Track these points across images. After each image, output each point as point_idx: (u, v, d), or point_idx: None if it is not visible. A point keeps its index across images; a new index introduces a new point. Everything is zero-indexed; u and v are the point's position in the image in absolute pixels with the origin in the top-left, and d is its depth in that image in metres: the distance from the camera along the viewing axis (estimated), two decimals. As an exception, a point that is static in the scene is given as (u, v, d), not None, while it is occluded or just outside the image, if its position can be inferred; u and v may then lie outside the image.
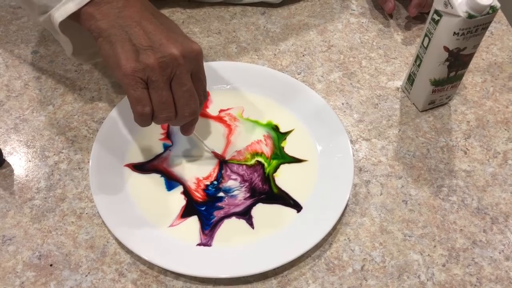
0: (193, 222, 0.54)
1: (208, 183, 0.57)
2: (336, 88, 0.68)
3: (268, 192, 0.57)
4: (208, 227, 0.54)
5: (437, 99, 0.65)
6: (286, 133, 0.62)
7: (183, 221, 0.54)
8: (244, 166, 0.59)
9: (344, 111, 0.66)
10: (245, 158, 0.60)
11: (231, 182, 0.58)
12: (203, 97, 0.53)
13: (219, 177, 0.58)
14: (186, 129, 0.54)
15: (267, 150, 0.61)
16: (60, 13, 0.50)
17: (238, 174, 0.58)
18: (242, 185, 0.57)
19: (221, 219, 0.55)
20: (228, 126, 0.63)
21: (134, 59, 0.47)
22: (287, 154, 0.60)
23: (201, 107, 0.53)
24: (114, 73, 0.48)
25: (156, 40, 0.48)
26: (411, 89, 0.66)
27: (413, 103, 0.67)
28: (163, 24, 0.50)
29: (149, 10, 0.50)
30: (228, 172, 0.59)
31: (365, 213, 0.57)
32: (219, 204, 0.56)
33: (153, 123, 0.50)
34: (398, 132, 0.64)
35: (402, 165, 0.61)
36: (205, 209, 0.55)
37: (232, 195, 0.56)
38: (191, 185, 0.57)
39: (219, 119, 0.63)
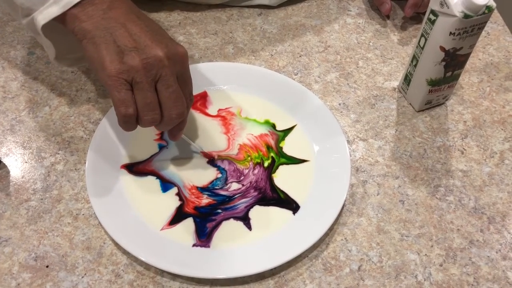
0: (189, 222, 0.54)
1: (205, 192, 0.57)
2: (333, 89, 0.68)
3: (270, 195, 0.57)
4: (204, 237, 0.54)
5: (433, 99, 0.65)
6: (288, 130, 0.62)
7: (173, 226, 0.54)
8: (245, 168, 0.59)
9: (341, 112, 0.66)
10: (244, 157, 0.60)
11: (235, 185, 0.58)
12: (190, 100, 0.53)
13: (220, 181, 0.58)
14: (174, 134, 0.54)
15: (265, 149, 0.60)
16: (43, 16, 0.49)
17: (239, 175, 0.58)
18: (243, 188, 0.57)
19: (218, 223, 0.54)
20: (226, 121, 0.63)
21: (118, 60, 0.46)
22: (287, 155, 0.60)
23: (188, 111, 0.52)
24: (98, 74, 0.48)
25: (141, 41, 0.47)
26: (407, 89, 0.66)
27: (410, 103, 0.67)
28: (148, 26, 0.49)
29: (134, 12, 0.50)
30: (230, 174, 0.58)
31: (362, 213, 0.57)
32: (214, 217, 0.55)
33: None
34: (395, 132, 0.64)
35: (399, 165, 0.61)
36: (200, 221, 0.55)
37: (230, 207, 0.56)
38: (186, 192, 0.57)
39: (218, 116, 0.63)
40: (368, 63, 0.72)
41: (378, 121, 0.65)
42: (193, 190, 0.57)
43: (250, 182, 0.58)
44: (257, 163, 0.59)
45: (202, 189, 0.57)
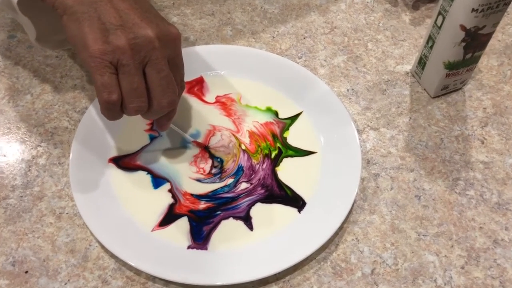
0: (183, 222, 0.49)
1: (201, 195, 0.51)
2: (340, 73, 0.63)
3: (278, 192, 0.51)
4: (201, 240, 0.48)
5: (450, 84, 0.60)
6: (294, 117, 0.57)
7: (163, 228, 0.49)
8: (256, 163, 0.54)
9: (350, 98, 0.61)
10: (256, 148, 0.55)
11: (243, 185, 0.52)
12: (181, 87, 0.48)
13: (228, 187, 0.52)
14: (162, 123, 0.49)
15: (271, 138, 0.55)
16: None
17: (251, 173, 0.53)
18: (251, 187, 0.52)
19: (217, 224, 0.49)
20: (226, 106, 0.58)
21: (102, 39, 0.41)
22: (292, 146, 0.55)
23: (179, 96, 0.47)
24: (80, 55, 0.43)
25: (128, 19, 0.42)
26: (422, 74, 0.61)
27: (424, 89, 0.62)
28: (138, 3, 0.44)
29: None
30: (245, 174, 0.53)
31: (375, 210, 0.52)
32: (212, 220, 0.50)
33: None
34: (409, 120, 0.59)
35: (413, 157, 0.56)
36: (196, 225, 0.49)
37: (231, 207, 0.50)
38: (179, 194, 0.51)
39: (216, 102, 0.58)
40: (378, 46, 0.66)
41: (390, 109, 0.60)
42: (188, 196, 0.51)
43: (259, 180, 0.52)
44: (266, 155, 0.54)
45: (200, 197, 0.51)
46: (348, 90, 0.61)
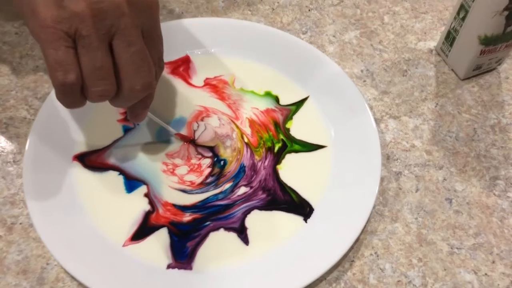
0: (162, 234, 0.40)
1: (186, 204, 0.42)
2: (352, 51, 0.53)
3: (282, 197, 0.42)
4: (183, 258, 0.39)
5: (484, 63, 0.50)
6: (300, 103, 0.48)
7: (137, 242, 0.40)
8: (259, 160, 0.44)
9: (364, 81, 0.51)
10: (258, 140, 0.45)
11: (242, 190, 0.43)
12: (159, 67, 0.39)
13: (224, 193, 0.42)
14: (137, 113, 0.39)
15: (274, 127, 0.46)
16: None
17: (252, 174, 0.43)
18: (251, 191, 0.42)
19: (204, 237, 0.40)
20: (218, 89, 0.48)
21: (56, 3, 0.32)
22: (297, 139, 0.45)
23: (157, 79, 0.38)
24: (28, 24, 0.34)
25: None
26: (450, 51, 0.51)
27: (452, 69, 0.52)
28: None
29: None
30: (246, 175, 0.43)
31: (397, 216, 0.43)
32: (198, 233, 0.40)
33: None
34: (435, 107, 0.49)
35: (442, 151, 0.47)
36: (177, 240, 0.40)
37: (223, 217, 0.41)
38: (158, 203, 0.42)
39: (206, 85, 0.48)
40: (396, 19, 0.56)
41: (412, 93, 0.50)
42: (168, 207, 0.42)
43: (260, 182, 0.43)
44: (268, 149, 0.45)
45: (185, 208, 0.42)
46: (362, 71, 0.52)
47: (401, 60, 0.53)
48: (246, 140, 0.45)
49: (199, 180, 0.43)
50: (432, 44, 0.54)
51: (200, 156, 0.44)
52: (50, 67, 0.33)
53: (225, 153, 0.44)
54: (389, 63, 0.53)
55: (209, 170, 0.43)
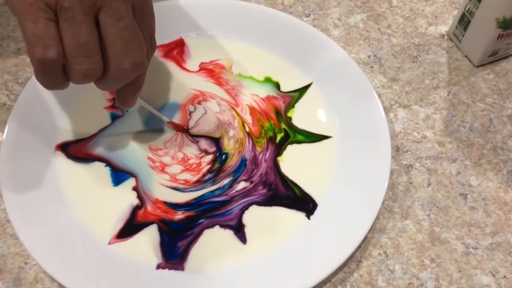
0: (151, 231, 0.36)
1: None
2: (359, 35, 0.50)
3: (284, 192, 0.39)
4: (175, 258, 0.36)
5: (501, 48, 0.47)
6: (303, 89, 0.44)
7: (124, 240, 0.36)
8: (260, 152, 0.40)
9: (371, 67, 0.47)
10: (259, 129, 0.41)
11: (241, 185, 0.39)
12: (151, 47, 0.35)
13: (222, 189, 0.39)
14: (126, 97, 0.36)
15: (275, 116, 0.42)
16: None
17: (253, 168, 0.39)
18: (251, 186, 0.39)
19: (198, 235, 0.36)
20: (215, 74, 0.45)
21: None
22: (299, 129, 0.42)
23: (148, 61, 0.34)
24: None
25: None
26: (464, 36, 0.48)
27: (466, 55, 0.48)
28: None
29: None
30: (247, 169, 0.40)
31: (408, 213, 0.39)
32: (190, 232, 0.37)
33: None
34: (447, 95, 0.46)
35: (455, 142, 0.43)
36: (168, 240, 0.36)
37: (219, 214, 0.37)
38: (147, 200, 0.38)
39: (202, 70, 0.45)
40: (405, 2, 0.52)
41: (423, 80, 0.47)
42: (159, 205, 0.38)
43: (260, 175, 0.39)
44: (270, 139, 0.41)
45: (177, 206, 0.38)
46: (369, 56, 0.48)
47: (410, 46, 0.49)
48: (247, 129, 0.42)
49: (195, 178, 0.39)
50: (444, 28, 0.51)
51: (202, 155, 0.40)
52: (28, 41, 0.30)
53: (229, 145, 0.41)
54: (398, 49, 0.49)
55: (208, 167, 0.40)
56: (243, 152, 0.40)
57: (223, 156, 0.40)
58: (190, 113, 0.42)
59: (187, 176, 0.39)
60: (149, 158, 0.40)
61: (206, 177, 0.39)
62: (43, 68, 0.30)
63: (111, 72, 0.31)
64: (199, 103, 0.43)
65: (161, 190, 0.38)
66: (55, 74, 0.31)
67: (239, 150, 0.40)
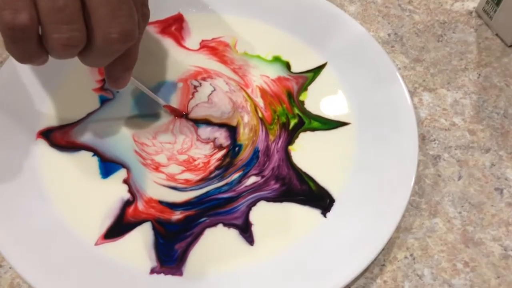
0: (144, 230, 0.32)
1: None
2: (377, 12, 0.45)
3: (298, 187, 0.34)
4: (172, 262, 0.31)
5: (538, 26, 0.42)
6: (318, 70, 0.39)
7: (113, 241, 0.32)
8: (273, 140, 0.35)
9: (392, 46, 0.43)
10: (272, 115, 0.36)
11: (251, 179, 0.34)
12: (143, 16, 0.30)
13: (231, 184, 0.34)
14: (117, 76, 0.31)
15: (287, 99, 0.38)
16: None
17: (265, 160, 0.34)
18: (261, 181, 0.34)
19: (198, 235, 0.32)
20: (218, 52, 0.40)
21: None
22: (314, 114, 0.37)
23: (140, 33, 0.30)
24: None
25: None
26: (495, 13, 0.43)
27: (497, 34, 0.44)
28: None
29: None
30: (259, 162, 0.34)
31: (436, 210, 0.35)
32: (189, 232, 0.32)
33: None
34: (478, 78, 0.41)
35: (488, 130, 0.38)
36: (164, 243, 0.31)
37: (223, 212, 0.33)
38: (140, 202, 0.33)
39: (203, 48, 0.40)
40: (428, -25, 0.47)
41: (450, 61, 0.42)
42: (153, 204, 0.33)
43: (272, 169, 0.34)
44: (283, 125, 0.36)
45: (174, 206, 0.33)
46: (389, 35, 0.43)
47: (434, 23, 0.44)
48: (260, 114, 0.37)
49: (198, 177, 0.34)
50: (472, 5, 0.46)
51: (215, 151, 0.35)
52: None
53: (243, 134, 0.36)
54: (421, 26, 0.44)
55: (217, 163, 0.35)
56: (256, 142, 0.35)
57: (236, 149, 0.35)
58: (195, 87, 0.37)
59: (189, 176, 0.34)
60: (136, 152, 0.34)
61: (213, 174, 0.34)
62: (13, 36, 0.25)
63: (96, 42, 0.26)
64: (203, 79, 0.38)
65: (156, 189, 0.33)
66: (28, 44, 0.26)
67: (252, 140, 0.35)
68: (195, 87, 0.38)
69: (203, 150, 0.35)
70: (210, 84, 0.38)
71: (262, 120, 0.36)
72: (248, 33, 0.41)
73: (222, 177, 0.34)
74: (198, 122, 0.36)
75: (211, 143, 0.35)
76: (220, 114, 0.37)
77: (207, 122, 0.36)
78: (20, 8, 0.24)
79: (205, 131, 0.36)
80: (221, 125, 0.36)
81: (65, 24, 0.25)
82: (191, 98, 0.37)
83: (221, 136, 0.35)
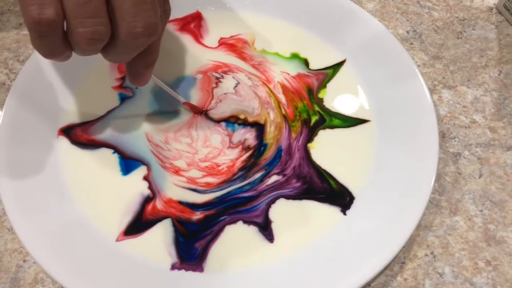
0: (165, 226, 0.32)
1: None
2: (396, 9, 0.44)
3: (319, 185, 0.34)
4: (193, 260, 0.31)
5: (560, 22, 0.41)
6: (337, 66, 0.39)
7: (134, 237, 0.32)
8: (295, 138, 0.35)
9: (411, 44, 0.42)
10: (294, 111, 0.36)
11: (273, 178, 0.34)
12: (165, 12, 0.31)
13: (253, 183, 0.33)
14: (138, 72, 0.31)
15: (307, 96, 0.38)
16: None
17: (287, 158, 0.34)
18: (283, 179, 0.34)
19: (218, 232, 0.32)
20: (237, 49, 0.40)
21: None
22: (333, 112, 0.37)
23: (163, 27, 0.30)
24: None
25: None
26: (516, 8, 0.42)
27: (518, 31, 0.43)
28: None
29: None
30: (282, 161, 0.34)
31: (457, 208, 0.34)
32: (209, 230, 0.32)
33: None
34: (498, 75, 0.41)
35: (510, 128, 0.38)
36: (184, 242, 0.32)
37: (243, 210, 0.33)
38: (159, 201, 0.33)
39: (221, 45, 0.40)
40: (447, -28, 0.47)
41: (470, 58, 0.42)
42: (173, 204, 0.33)
43: (294, 168, 0.34)
44: (304, 122, 0.36)
45: (195, 207, 0.33)
46: (408, 32, 0.43)
47: (454, 20, 0.44)
48: (283, 111, 0.37)
49: (220, 180, 0.34)
50: (492, 1, 0.45)
51: (242, 154, 0.35)
52: (23, 2, 0.25)
53: (270, 133, 0.36)
54: (440, 23, 0.44)
55: (242, 165, 0.34)
56: (280, 141, 0.35)
57: (262, 149, 0.35)
58: (217, 78, 0.37)
59: (211, 180, 0.34)
60: (155, 155, 0.35)
61: (236, 176, 0.34)
62: (39, 31, 0.25)
63: (120, 36, 0.27)
64: (224, 72, 0.38)
65: (175, 190, 0.33)
66: (54, 39, 0.26)
67: (277, 139, 0.35)
68: (217, 78, 0.38)
69: (230, 156, 0.35)
70: (233, 77, 0.38)
71: (285, 117, 0.36)
72: (266, 30, 0.41)
73: (244, 177, 0.34)
74: (227, 121, 0.36)
75: (240, 146, 0.35)
76: (252, 110, 0.37)
77: (236, 120, 0.36)
78: (46, 3, 0.25)
79: (239, 134, 0.35)
80: (252, 125, 0.36)
81: (90, 18, 0.26)
82: (215, 87, 0.37)
83: (251, 137, 0.35)
